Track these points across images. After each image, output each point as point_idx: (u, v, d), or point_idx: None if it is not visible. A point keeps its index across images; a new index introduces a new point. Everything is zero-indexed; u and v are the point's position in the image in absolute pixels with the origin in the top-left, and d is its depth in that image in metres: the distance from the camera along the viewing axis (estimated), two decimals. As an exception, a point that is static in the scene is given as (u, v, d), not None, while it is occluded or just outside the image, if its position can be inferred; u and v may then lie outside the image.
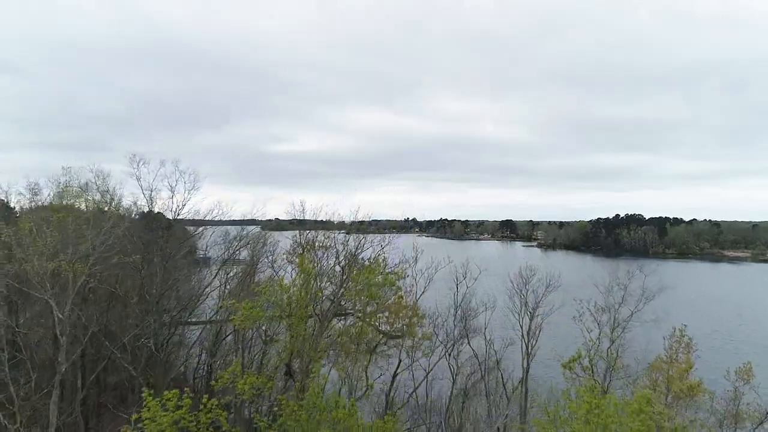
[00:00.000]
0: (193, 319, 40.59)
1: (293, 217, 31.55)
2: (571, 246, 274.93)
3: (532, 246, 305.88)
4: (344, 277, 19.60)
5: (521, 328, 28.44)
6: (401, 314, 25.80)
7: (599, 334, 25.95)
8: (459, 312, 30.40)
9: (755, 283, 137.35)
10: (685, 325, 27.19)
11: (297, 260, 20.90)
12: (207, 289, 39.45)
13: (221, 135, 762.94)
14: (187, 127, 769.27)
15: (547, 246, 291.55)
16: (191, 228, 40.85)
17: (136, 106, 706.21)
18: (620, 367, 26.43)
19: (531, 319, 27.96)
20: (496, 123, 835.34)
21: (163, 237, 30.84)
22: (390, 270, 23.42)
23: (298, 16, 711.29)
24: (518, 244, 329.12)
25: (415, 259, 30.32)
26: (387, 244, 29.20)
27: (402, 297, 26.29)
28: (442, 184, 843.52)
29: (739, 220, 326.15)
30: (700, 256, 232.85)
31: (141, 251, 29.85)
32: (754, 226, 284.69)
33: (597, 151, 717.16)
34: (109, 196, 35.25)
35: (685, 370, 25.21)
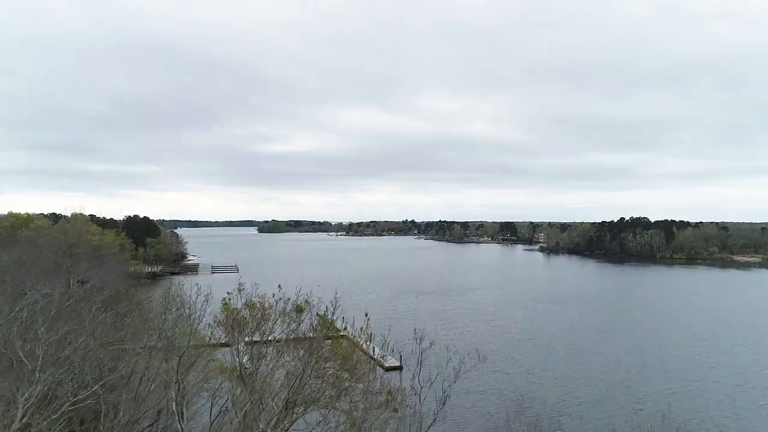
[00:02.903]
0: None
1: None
2: (575, 250, 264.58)
3: (534, 250, 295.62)
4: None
5: None
6: None
7: None
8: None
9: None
10: None
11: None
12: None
13: (213, 135, 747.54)
14: (177, 128, 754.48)
15: (550, 250, 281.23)
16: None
17: (125, 107, 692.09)
18: None
19: None
20: (488, 121, 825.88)
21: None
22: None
23: (278, 13, 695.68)
24: (519, 248, 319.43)
25: (419, 362, 19.12)
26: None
27: None
28: (438, 184, 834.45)
29: (742, 221, 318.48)
30: (710, 261, 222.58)
31: None
32: (764, 228, 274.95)
33: (593, 150, 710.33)
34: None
35: None
